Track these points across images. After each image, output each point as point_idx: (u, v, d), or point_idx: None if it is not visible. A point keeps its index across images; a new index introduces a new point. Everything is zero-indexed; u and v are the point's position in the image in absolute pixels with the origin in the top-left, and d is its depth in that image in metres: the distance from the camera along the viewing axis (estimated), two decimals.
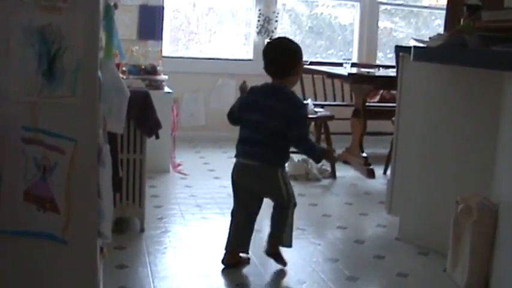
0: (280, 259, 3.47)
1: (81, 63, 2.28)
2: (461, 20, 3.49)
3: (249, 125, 3.37)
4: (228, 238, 3.43)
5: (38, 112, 2.28)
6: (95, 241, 2.46)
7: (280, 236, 3.45)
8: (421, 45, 3.59)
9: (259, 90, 3.42)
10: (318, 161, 3.75)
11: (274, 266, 3.47)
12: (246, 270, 3.39)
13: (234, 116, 3.47)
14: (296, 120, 3.30)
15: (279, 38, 3.82)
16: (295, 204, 3.49)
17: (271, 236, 3.48)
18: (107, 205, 2.54)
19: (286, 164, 5.47)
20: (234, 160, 5.80)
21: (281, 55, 3.37)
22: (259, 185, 3.42)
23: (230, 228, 3.45)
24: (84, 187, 2.37)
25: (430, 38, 3.48)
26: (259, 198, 3.50)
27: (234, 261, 3.43)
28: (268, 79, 3.43)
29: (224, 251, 3.43)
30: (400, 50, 4.11)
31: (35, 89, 2.26)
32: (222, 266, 3.39)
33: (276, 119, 3.28)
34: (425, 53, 3.49)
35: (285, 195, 3.44)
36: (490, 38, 2.98)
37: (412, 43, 3.79)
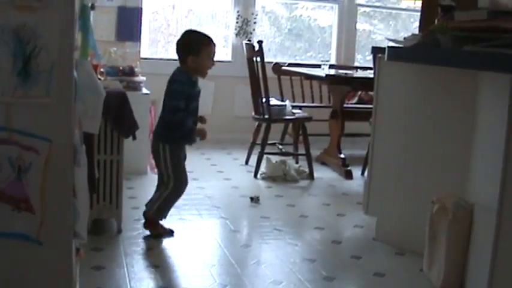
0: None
1: (56, 63, 2.27)
2: (436, 21, 3.52)
3: None
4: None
5: (12, 112, 2.26)
6: (71, 241, 2.44)
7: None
8: (396, 45, 3.62)
9: None
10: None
11: (251, 266, 3.48)
12: (222, 270, 3.40)
13: None
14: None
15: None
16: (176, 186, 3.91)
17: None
18: (82, 205, 2.53)
19: (264, 165, 5.53)
20: (212, 161, 5.79)
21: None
22: None
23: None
24: (60, 187, 2.35)
25: (404, 38, 3.51)
26: None
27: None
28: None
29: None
30: (377, 51, 4.14)
31: (10, 89, 2.24)
32: (201, 267, 3.41)
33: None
34: (399, 53, 3.51)
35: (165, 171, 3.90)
36: (463, 38, 3.00)
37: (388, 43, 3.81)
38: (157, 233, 3.84)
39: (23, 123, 2.28)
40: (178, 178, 3.91)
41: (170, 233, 3.88)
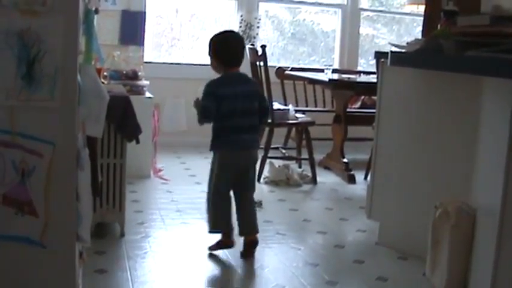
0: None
1: (60, 67, 2.28)
2: (439, 26, 3.53)
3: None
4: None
5: (16, 115, 2.27)
6: (74, 245, 2.45)
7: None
8: (399, 50, 3.62)
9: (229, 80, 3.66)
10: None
11: (254, 270, 3.49)
12: (225, 274, 3.40)
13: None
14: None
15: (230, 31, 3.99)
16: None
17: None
18: (85, 209, 2.54)
19: (267, 169, 5.54)
20: None
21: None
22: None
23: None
24: (63, 191, 2.36)
25: (407, 43, 3.51)
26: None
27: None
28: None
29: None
30: (380, 56, 4.14)
31: (14, 93, 2.26)
32: (204, 271, 3.42)
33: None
34: (401, 58, 3.52)
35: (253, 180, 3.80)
36: (466, 43, 3.01)
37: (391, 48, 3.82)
38: None
39: (26, 127, 2.30)
40: None
41: None
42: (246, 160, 3.68)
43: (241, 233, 3.68)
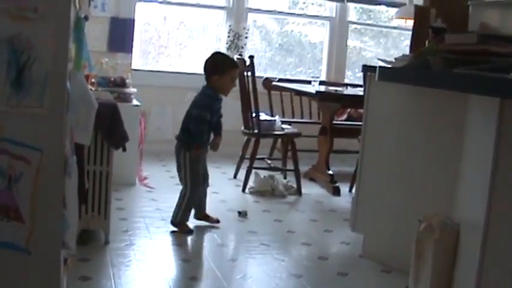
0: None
1: (50, 74, 2.28)
2: (426, 42, 3.55)
3: None
4: None
5: (4, 121, 2.27)
6: (59, 252, 2.45)
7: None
8: (386, 65, 3.65)
9: None
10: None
11: (237, 280, 3.49)
12: (209, 284, 3.40)
13: None
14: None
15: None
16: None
17: None
18: (71, 216, 2.53)
19: (252, 180, 5.54)
20: None
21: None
22: None
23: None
24: (50, 197, 2.36)
25: (395, 58, 3.54)
26: None
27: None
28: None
29: None
30: (367, 69, 4.16)
31: (2, 98, 2.25)
32: (187, 280, 3.42)
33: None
34: (389, 73, 3.54)
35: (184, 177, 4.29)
36: (453, 60, 3.04)
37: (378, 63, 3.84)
38: (182, 231, 4.21)
39: (14, 133, 2.29)
40: (194, 184, 4.27)
41: (191, 231, 4.23)
42: None
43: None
